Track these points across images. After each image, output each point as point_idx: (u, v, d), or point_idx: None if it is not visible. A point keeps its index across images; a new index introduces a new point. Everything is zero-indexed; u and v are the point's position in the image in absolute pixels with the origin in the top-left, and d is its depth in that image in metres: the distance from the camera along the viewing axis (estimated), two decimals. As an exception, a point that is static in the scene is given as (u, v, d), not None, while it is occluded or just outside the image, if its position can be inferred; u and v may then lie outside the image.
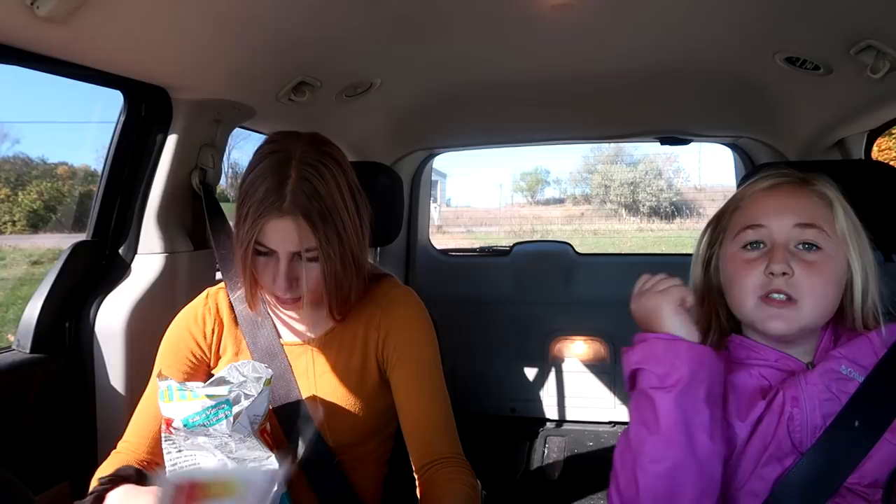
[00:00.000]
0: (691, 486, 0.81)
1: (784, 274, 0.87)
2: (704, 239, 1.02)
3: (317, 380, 1.13)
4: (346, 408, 1.12)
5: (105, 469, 1.05)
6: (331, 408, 1.12)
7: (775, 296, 0.88)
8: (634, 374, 0.87)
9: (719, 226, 1.00)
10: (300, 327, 1.16)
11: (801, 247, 0.89)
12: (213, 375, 1.15)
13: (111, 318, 1.41)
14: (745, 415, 0.88)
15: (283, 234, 0.98)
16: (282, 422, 1.12)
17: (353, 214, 1.03)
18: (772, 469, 0.85)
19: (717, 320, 0.99)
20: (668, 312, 0.86)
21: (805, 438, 0.84)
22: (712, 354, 0.84)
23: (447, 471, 1.04)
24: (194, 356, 1.15)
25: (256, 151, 1.04)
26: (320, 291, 1.05)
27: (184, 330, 1.16)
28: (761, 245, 0.91)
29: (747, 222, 0.93)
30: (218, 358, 1.17)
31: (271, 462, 0.99)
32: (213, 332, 1.16)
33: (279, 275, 1.01)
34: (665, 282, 0.90)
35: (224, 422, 0.93)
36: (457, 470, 1.05)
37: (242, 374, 0.99)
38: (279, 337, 1.15)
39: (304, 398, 1.12)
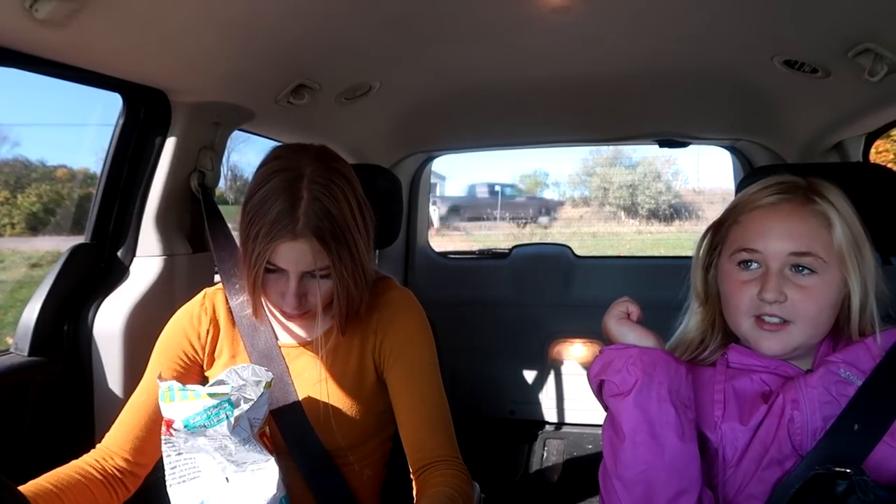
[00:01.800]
0: (664, 487, 0.82)
1: (776, 301, 0.88)
2: (704, 245, 1.02)
3: (314, 382, 1.13)
4: (344, 410, 1.12)
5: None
6: (328, 410, 1.11)
7: (768, 319, 0.89)
8: (601, 391, 0.89)
9: (719, 234, 1.00)
10: (298, 330, 1.16)
11: (795, 269, 0.89)
12: (206, 377, 1.15)
13: (110, 320, 1.41)
14: (747, 419, 0.88)
15: (295, 255, 0.98)
16: (280, 424, 1.11)
17: (362, 230, 1.04)
18: (772, 472, 0.85)
19: (721, 320, 0.99)
20: (612, 324, 0.92)
21: (805, 441, 0.85)
22: (667, 356, 0.86)
23: (440, 473, 1.04)
24: (186, 356, 1.14)
25: (263, 166, 1.03)
26: (327, 303, 1.06)
27: (178, 330, 1.16)
28: (755, 264, 0.91)
29: (743, 244, 0.92)
30: (212, 360, 1.16)
31: (271, 465, 0.99)
32: (207, 333, 1.16)
33: (289, 293, 1.01)
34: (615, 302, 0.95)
35: (225, 422, 0.93)
36: (450, 472, 1.04)
37: (242, 378, 0.99)
38: (277, 339, 1.15)
39: (301, 401, 1.12)
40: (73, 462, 1.05)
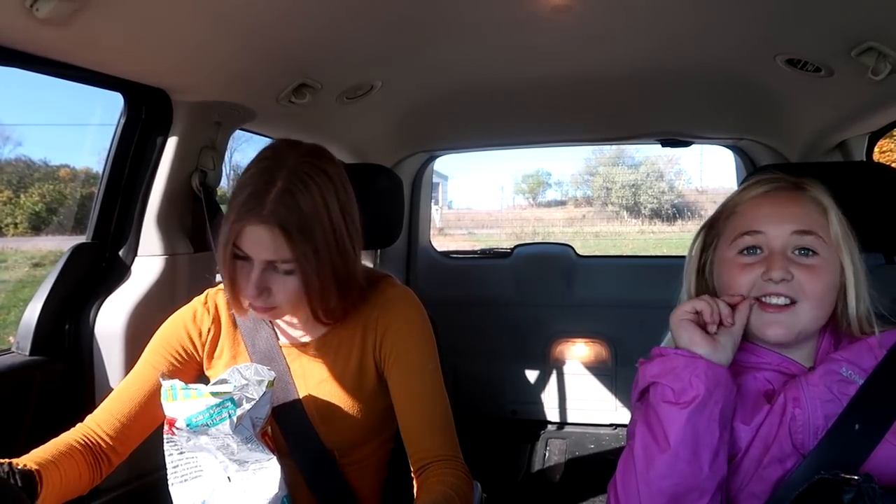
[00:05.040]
0: None
1: (783, 280, 0.87)
2: (697, 244, 1.02)
3: (315, 382, 1.13)
4: (345, 410, 1.12)
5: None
6: (329, 410, 1.11)
7: (773, 300, 0.88)
8: (646, 390, 0.88)
9: (713, 231, 1.00)
10: (298, 330, 1.16)
11: (798, 252, 0.89)
12: (205, 377, 1.15)
13: (111, 320, 1.41)
14: (749, 418, 0.88)
15: (258, 241, 0.97)
16: (280, 424, 1.11)
17: (339, 232, 1.01)
18: (773, 470, 0.85)
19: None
20: (679, 329, 0.88)
21: (807, 439, 0.84)
22: (728, 375, 0.85)
23: (439, 473, 1.03)
24: (185, 351, 1.14)
25: (256, 155, 1.04)
26: (299, 303, 1.04)
27: (179, 325, 1.16)
28: (758, 250, 0.91)
29: (744, 228, 0.93)
30: (212, 360, 1.16)
31: (273, 464, 0.99)
32: (208, 332, 1.15)
33: (250, 282, 1.00)
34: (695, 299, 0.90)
35: (227, 421, 0.94)
36: (448, 472, 1.03)
37: (244, 377, 0.99)
38: (278, 339, 1.15)
39: (302, 401, 1.12)
40: (58, 438, 1.06)
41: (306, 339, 1.15)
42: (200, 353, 1.16)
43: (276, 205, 0.96)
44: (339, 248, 1.02)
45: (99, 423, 1.08)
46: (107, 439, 1.07)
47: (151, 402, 1.08)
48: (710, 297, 0.90)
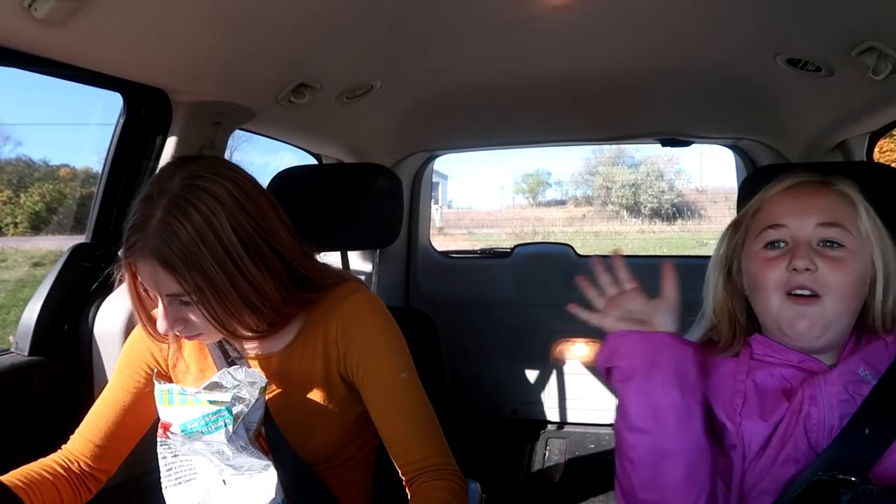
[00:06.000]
0: (673, 472, 0.82)
1: (807, 270, 0.87)
2: (724, 243, 1.02)
3: (284, 394, 1.09)
4: (318, 421, 1.08)
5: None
6: (300, 420, 1.07)
7: (799, 292, 0.88)
8: (610, 375, 0.90)
9: (740, 229, 1.00)
10: (263, 342, 1.10)
11: (823, 244, 0.89)
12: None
13: (110, 320, 1.41)
14: (768, 415, 0.87)
15: (146, 277, 0.94)
16: None
17: (235, 252, 0.93)
18: (787, 469, 0.85)
19: (738, 323, 0.99)
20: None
21: (821, 439, 0.84)
22: (673, 339, 0.86)
23: (430, 484, 1.00)
24: (149, 369, 1.11)
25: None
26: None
27: (140, 343, 1.13)
28: (783, 244, 0.91)
29: (769, 222, 0.93)
30: (178, 373, 1.13)
31: (269, 470, 0.98)
32: (168, 347, 1.12)
33: (159, 314, 0.97)
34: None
35: (222, 430, 0.92)
36: (437, 484, 1.00)
37: (236, 379, 0.97)
38: (244, 353, 1.11)
39: (273, 415, 1.06)
40: (41, 460, 1.07)
41: (269, 350, 1.10)
42: (165, 367, 1.13)
43: (155, 239, 0.90)
44: (238, 269, 0.94)
45: (76, 447, 1.09)
46: (88, 461, 1.08)
47: (126, 421, 1.09)
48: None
